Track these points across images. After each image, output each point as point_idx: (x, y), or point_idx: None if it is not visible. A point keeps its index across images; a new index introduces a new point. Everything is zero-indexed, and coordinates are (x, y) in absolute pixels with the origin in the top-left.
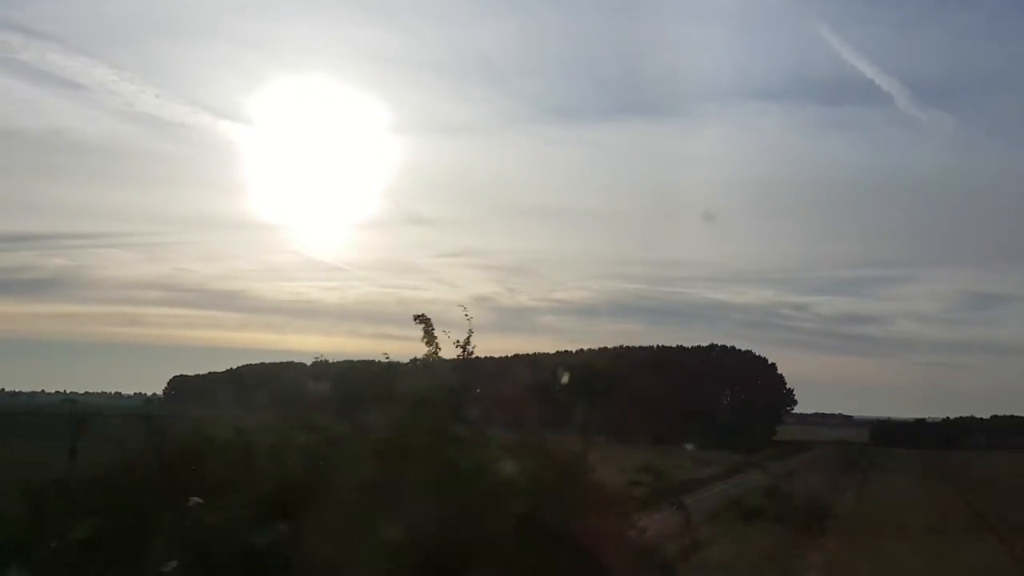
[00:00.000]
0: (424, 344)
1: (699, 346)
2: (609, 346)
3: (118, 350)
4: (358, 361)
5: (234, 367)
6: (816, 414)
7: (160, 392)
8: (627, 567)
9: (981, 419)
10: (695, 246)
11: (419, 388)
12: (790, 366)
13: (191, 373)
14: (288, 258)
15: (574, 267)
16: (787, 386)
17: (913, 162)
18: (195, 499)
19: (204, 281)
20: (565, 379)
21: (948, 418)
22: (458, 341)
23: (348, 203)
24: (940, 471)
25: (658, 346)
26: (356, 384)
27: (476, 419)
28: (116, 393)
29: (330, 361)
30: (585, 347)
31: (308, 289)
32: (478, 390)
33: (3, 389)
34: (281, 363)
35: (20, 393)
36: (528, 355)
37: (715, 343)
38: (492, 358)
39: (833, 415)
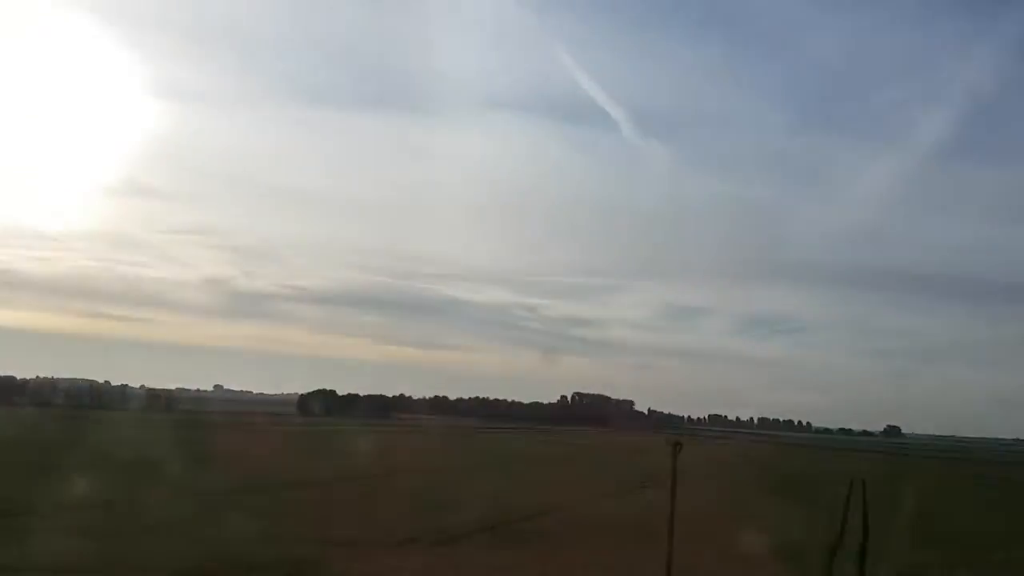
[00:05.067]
0: None
1: None
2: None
3: None
4: None
5: None
6: None
7: None
8: None
9: None
10: (439, 244)
11: None
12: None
13: None
14: None
15: (319, 255)
16: None
17: (633, 185)
18: None
19: None
20: None
21: None
22: None
23: (67, 167)
24: None
25: None
26: None
27: None
28: None
29: None
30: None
31: (11, 258)
32: None
33: None
34: None
35: None
36: None
37: None
38: None
39: None
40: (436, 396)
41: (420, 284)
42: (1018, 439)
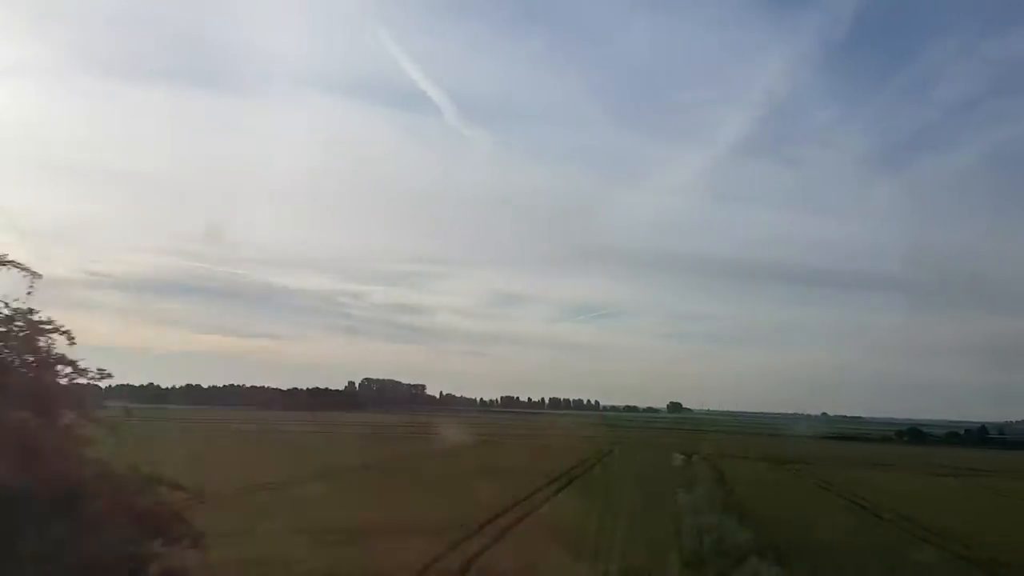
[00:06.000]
0: None
1: None
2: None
3: None
4: None
5: None
6: None
7: None
8: None
9: None
10: (258, 228)
11: None
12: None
13: None
14: None
15: (123, 238)
16: None
17: (458, 171)
18: None
19: None
20: None
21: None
22: None
23: None
24: None
25: None
26: None
27: None
28: None
29: None
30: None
31: None
32: None
33: None
34: None
35: None
36: None
37: None
38: None
39: None
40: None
41: (238, 270)
42: (798, 413)
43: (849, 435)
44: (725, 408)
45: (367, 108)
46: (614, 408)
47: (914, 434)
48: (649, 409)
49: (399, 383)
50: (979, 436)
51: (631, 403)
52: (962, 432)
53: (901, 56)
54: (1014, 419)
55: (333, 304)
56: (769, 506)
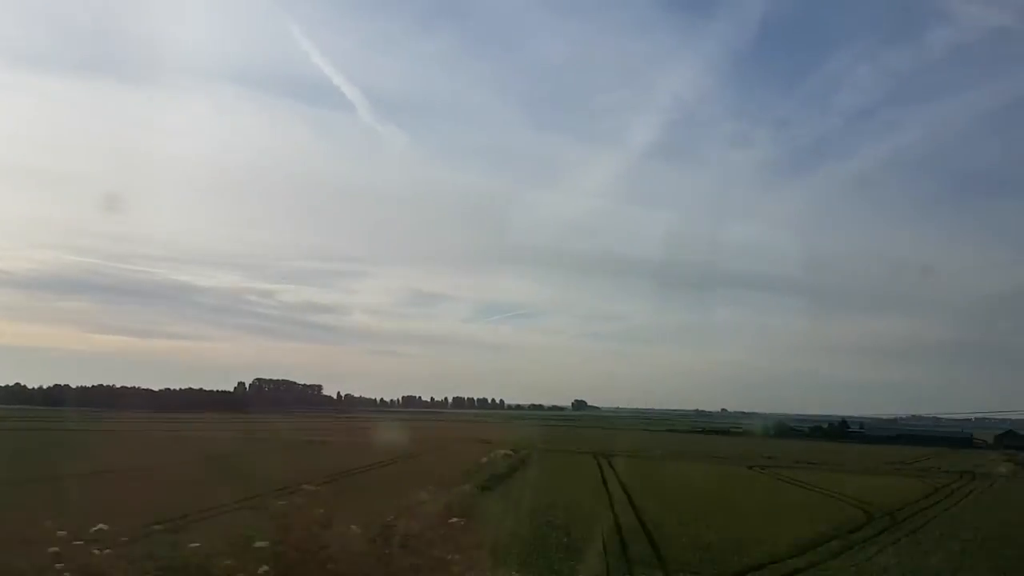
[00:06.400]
0: None
1: None
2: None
3: None
4: None
5: None
6: None
7: None
8: None
9: None
10: (162, 224)
11: None
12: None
13: None
14: None
15: (14, 233)
16: None
17: (372, 169)
18: None
19: None
20: None
21: None
22: None
23: None
24: None
25: None
26: None
27: None
28: None
29: None
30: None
31: None
32: None
33: None
34: None
35: None
36: None
37: None
38: None
39: None
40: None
41: (139, 267)
42: (700, 410)
43: (719, 430)
44: (633, 406)
45: (278, 103)
46: (519, 407)
47: (780, 429)
48: (554, 407)
49: (293, 383)
50: (839, 430)
51: (538, 402)
52: (825, 426)
53: (804, 65)
54: (876, 414)
55: (241, 303)
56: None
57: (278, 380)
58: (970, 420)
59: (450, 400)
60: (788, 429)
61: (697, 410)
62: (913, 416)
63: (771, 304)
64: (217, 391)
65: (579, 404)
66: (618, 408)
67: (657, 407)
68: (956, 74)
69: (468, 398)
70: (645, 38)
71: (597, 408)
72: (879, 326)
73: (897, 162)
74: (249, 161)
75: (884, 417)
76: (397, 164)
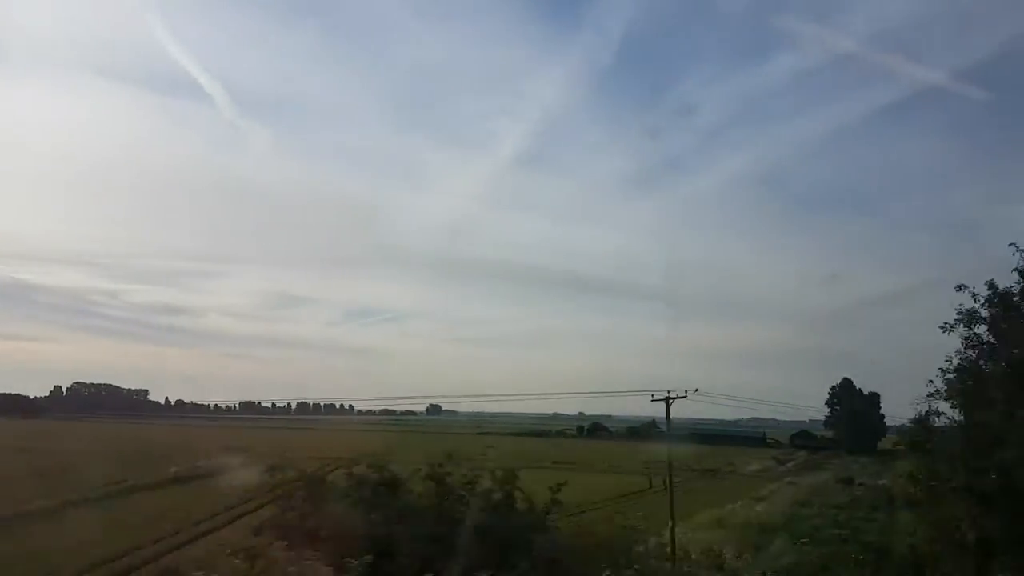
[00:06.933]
0: None
1: None
2: None
3: None
4: None
5: None
6: None
7: None
8: None
9: None
10: (4, 218)
11: None
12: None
13: None
14: None
15: None
16: None
17: (234, 165)
18: None
19: None
20: None
21: None
22: None
23: None
24: None
25: None
26: None
27: None
28: None
29: None
30: None
31: None
32: None
33: None
34: None
35: None
36: None
37: None
38: None
39: None
40: None
41: None
42: (557, 413)
43: (541, 432)
44: (492, 410)
45: (134, 94)
46: (370, 412)
47: (594, 428)
48: (407, 412)
49: (117, 388)
50: (647, 430)
51: (391, 407)
52: (638, 426)
53: (663, 83)
54: (721, 417)
55: (85, 303)
56: None
57: (100, 384)
58: (805, 421)
59: (294, 405)
60: (602, 429)
61: (555, 413)
62: (754, 419)
63: (630, 309)
64: (34, 397)
65: (434, 409)
66: (479, 413)
67: (516, 411)
68: (799, 98)
69: (314, 404)
70: (513, 47)
71: (455, 413)
72: (734, 332)
73: (743, 179)
74: (98, 154)
75: (727, 420)
76: (261, 162)
